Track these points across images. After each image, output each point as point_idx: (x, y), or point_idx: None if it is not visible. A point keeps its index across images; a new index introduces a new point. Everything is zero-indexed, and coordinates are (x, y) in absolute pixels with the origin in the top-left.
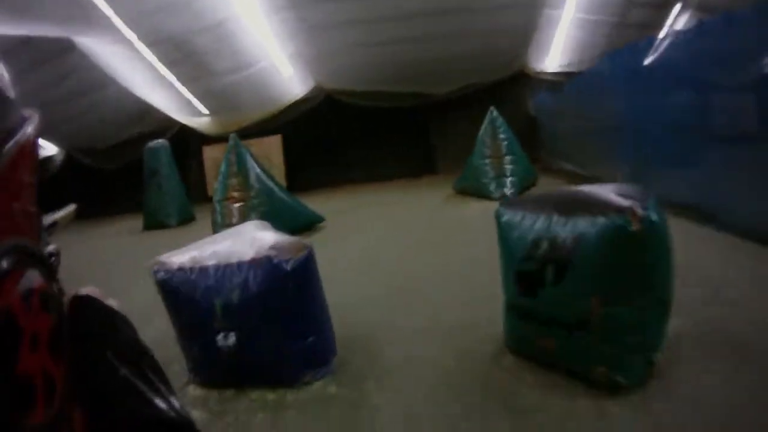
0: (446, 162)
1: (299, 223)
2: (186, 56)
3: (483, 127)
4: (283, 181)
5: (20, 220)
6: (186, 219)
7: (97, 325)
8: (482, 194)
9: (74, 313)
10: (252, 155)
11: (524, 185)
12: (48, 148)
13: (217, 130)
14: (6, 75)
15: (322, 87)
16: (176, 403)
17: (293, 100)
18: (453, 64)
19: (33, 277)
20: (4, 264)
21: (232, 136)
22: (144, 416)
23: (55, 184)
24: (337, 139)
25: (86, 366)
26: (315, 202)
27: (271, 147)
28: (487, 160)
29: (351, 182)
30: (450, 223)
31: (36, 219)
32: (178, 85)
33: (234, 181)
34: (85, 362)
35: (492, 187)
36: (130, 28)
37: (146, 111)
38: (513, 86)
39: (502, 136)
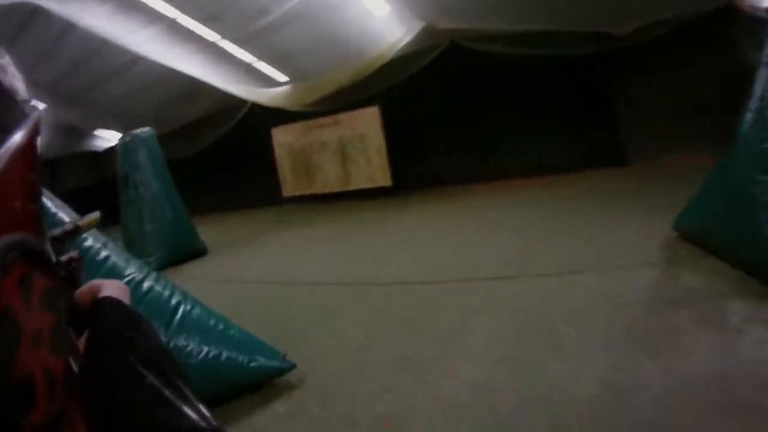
0: (638, 144)
1: None
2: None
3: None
4: (386, 177)
5: (21, 215)
6: (181, 256)
7: (121, 329)
8: None
9: (97, 315)
10: None
11: None
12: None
13: (294, 103)
14: (11, 68)
15: (437, 29)
16: (206, 412)
17: (395, 51)
18: None
19: (34, 274)
20: (4, 260)
21: None
22: (175, 427)
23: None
24: (466, 111)
25: (110, 373)
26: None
27: (366, 123)
28: None
29: (490, 180)
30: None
31: (38, 215)
32: (227, 46)
33: None
34: (109, 369)
35: None
36: None
37: (196, 88)
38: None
39: None
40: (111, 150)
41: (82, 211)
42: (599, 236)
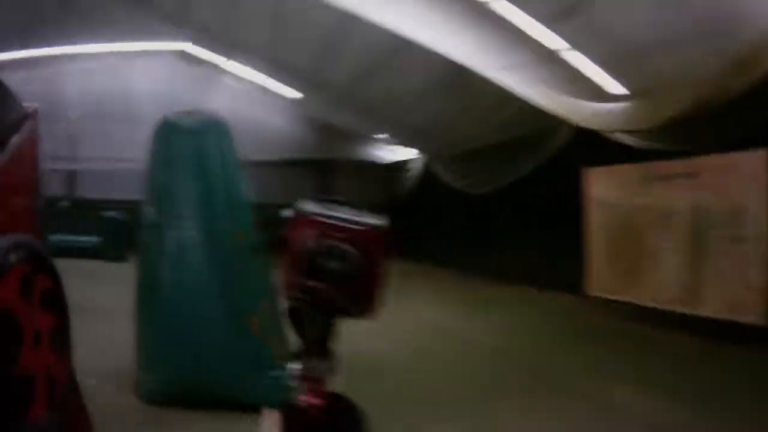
0: None
1: None
2: None
3: None
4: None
5: (22, 215)
6: None
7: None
8: None
9: (332, 412)
10: None
11: None
12: (400, 153)
13: (635, 123)
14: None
15: None
16: None
17: None
18: None
19: (34, 275)
20: (4, 260)
21: None
22: None
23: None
24: None
25: None
26: None
27: (743, 183)
28: None
29: None
30: None
31: (38, 215)
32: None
33: None
34: None
35: None
36: None
37: (503, 98)
38: None
39: None
40: (400, 165)
41: None
42: None
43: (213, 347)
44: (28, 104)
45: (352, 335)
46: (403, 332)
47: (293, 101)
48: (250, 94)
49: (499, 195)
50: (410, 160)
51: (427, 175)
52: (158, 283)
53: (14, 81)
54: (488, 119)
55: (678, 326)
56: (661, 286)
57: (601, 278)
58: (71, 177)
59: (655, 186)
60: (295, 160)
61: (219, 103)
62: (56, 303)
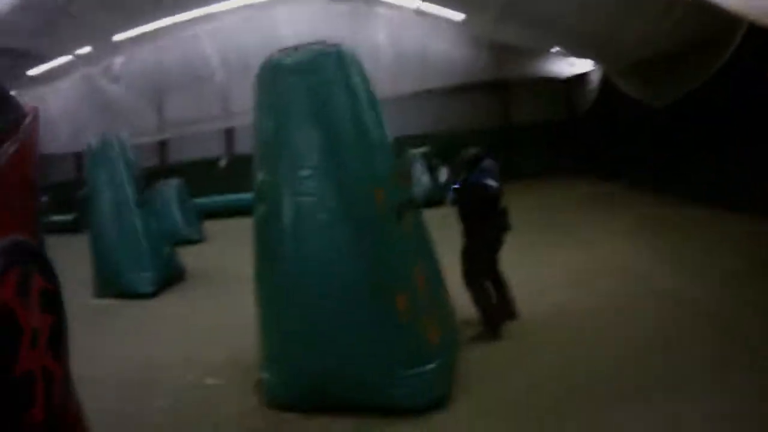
0: None
1: None
2: None
3: None
4: None
5: (20, 215)
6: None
7: None
8: None
9: None
10: None
11: None
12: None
13: None
14: None
15: None
16: None
17: None
18: None
19: (32, 275)
20: (2, 262)
21: None
22: None
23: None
24: None
25: None
26: None
27: None
28: None
29: None
30: None
31: (36, 215)
32: None
33: None
34: None
35: None
36: None
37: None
38: None
39: None
40: (580, 78)
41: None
42: None
43: (348, 339)
44: (27, 104)
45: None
46: (588, 279)
47: (456, 24)
48: (408, 22)
49: (684, 106)
50: (589, 72)
51: (608, 88)
52: (279, 262)
53: (154, 50)
54: (659, 22)
55: None
56: None
57: None
58: (229, 135)
59: None
60: (466, 85)
61: (375, 37)
62: (54, 303)
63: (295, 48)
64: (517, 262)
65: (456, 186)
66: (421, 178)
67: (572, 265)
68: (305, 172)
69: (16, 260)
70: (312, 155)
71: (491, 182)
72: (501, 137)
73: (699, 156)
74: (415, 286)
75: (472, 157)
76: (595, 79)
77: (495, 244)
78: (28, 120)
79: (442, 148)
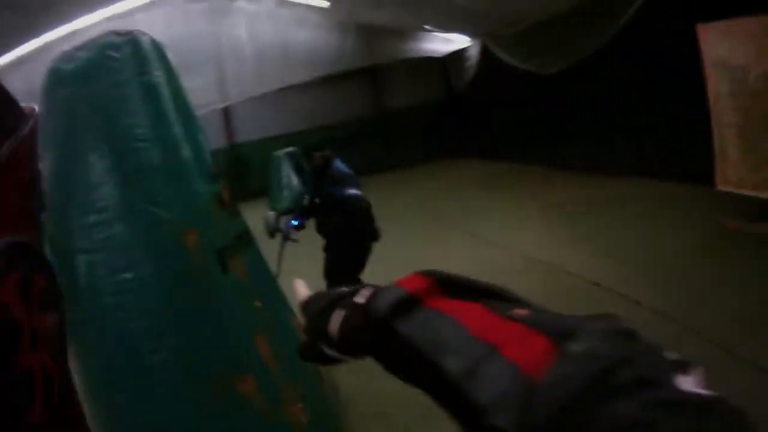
0: None
1: None
2: None
3: None
4: None
5: (19, 215)
6: None
7: None
8: None
9: None
10: None
11: None
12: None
13: None
14: None
15: None
16: None
17: None
18: None
19: (32, 276)
20: (3, 262)
21: None
22: None
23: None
24: None
25: None
26: None
27: None
28: None
29: None
30: None
31: (36, 215)
32: None
33: None
34: None
35: None
36: None
37: None
38: None
39: None
40: (458, 55)
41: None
42: None
43: None
44: (26, 104)
45: None
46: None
47: (322, 11)
48: (270, 15)
49: (578, 73)
50: (467, 47)
51: (488, 62)
52: (84, 348)
53: (26, 74)
54: None
55: None
56: None
57: (732, 168)
58: None
59: None
60: (336, 75)
61: (236, 34)
62: (53, 303)
63: (82, 46)
64: (401, 267)
65: (296, 223)
66: (291, 183)
67: (472, 265)
68: (93, 218)
69: (16, 260)
70: (103, 193)
71: (352, 191)
72: (375, 126)
73: (586, 127)
74: (261, 359)
75: (319, 164)
76: (474, 53)
77: (363, 258)
78: (26, 121)
79: (313, 146)
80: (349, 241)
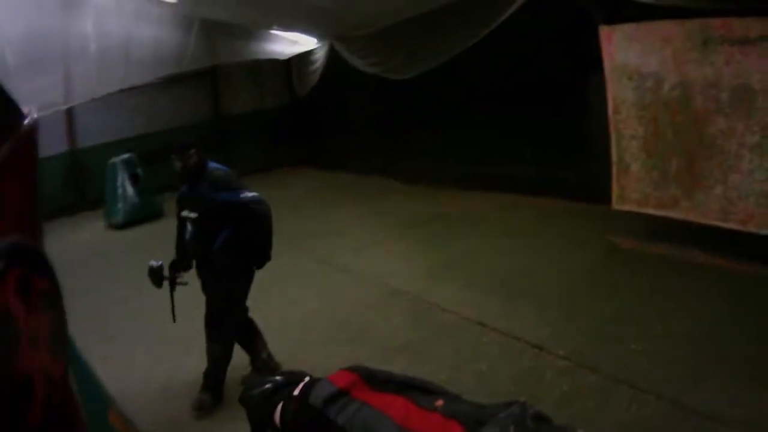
0: None
1: None
2: None
3: None
4: None
5: (20, 216)
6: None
7: None
8: None
9: None
10: None
11: None
12: None
13: None
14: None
15: None
16: None
17: None
18: None
19: (32, 276)
20: (2, 262)
21: None
22: None
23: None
24: None
25: None
26: None
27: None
28: None
29: None
30: None
31: (36, 215)
32: None
33: None
34: None
35: None
36: None
37: None
38: None
39: None
40: (303, 57)
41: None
42: None
43: None
44: (26, 107)
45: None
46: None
47: (169, 5)
48: (115, 8)
49: (434, 77)
50: (314, 50)
51: (334, 66)
52: None
53: None
54: None
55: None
56: (736, 198)
57: (631, 186)
58: None
59: (724, 51)
60: (177, 77)
61: (84, 30)
62: (53, 304)
63: None
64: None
65: (177, 271)
66: (126, 193)
67: (330, 301)
68: None
69: (16, 261)
70: None
71: (248, 193)
72: (213, 131)
73: (427, 137)
74: None
75: (193, 165)
76: (320, 56)
77: (250, 280)
78: (27, 120)
79: (151, 152)
80: (262, 257)
